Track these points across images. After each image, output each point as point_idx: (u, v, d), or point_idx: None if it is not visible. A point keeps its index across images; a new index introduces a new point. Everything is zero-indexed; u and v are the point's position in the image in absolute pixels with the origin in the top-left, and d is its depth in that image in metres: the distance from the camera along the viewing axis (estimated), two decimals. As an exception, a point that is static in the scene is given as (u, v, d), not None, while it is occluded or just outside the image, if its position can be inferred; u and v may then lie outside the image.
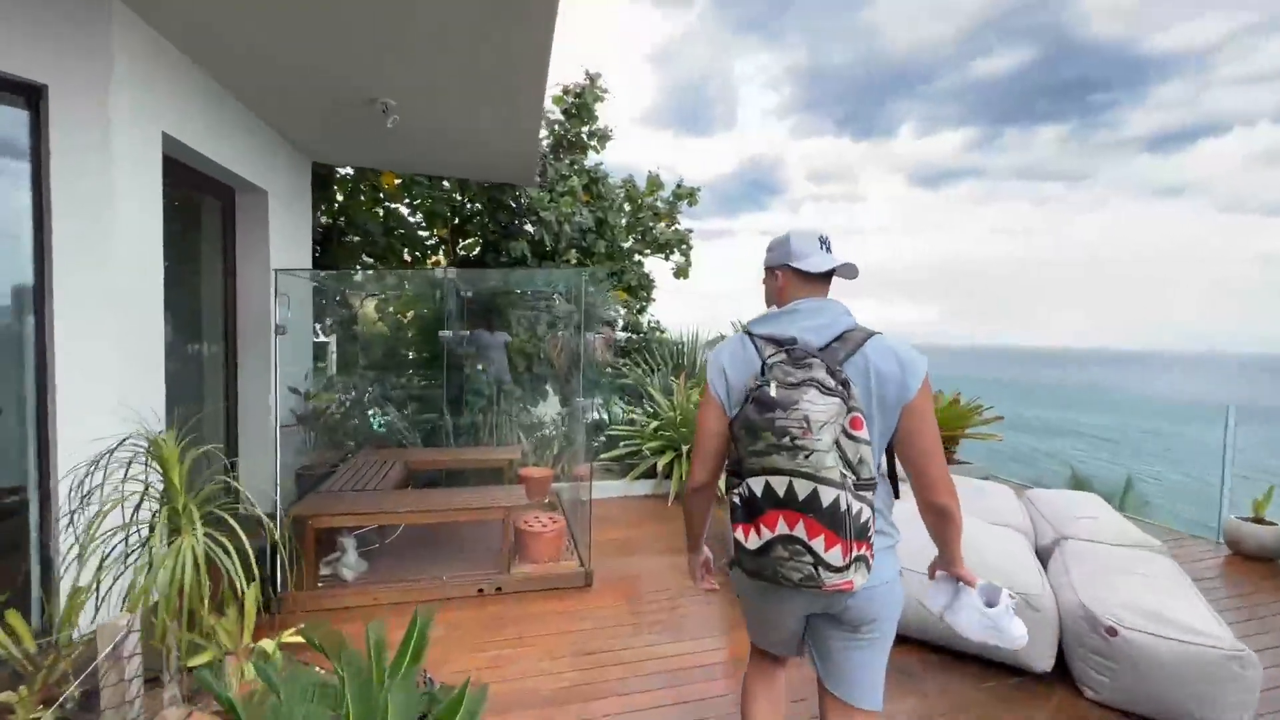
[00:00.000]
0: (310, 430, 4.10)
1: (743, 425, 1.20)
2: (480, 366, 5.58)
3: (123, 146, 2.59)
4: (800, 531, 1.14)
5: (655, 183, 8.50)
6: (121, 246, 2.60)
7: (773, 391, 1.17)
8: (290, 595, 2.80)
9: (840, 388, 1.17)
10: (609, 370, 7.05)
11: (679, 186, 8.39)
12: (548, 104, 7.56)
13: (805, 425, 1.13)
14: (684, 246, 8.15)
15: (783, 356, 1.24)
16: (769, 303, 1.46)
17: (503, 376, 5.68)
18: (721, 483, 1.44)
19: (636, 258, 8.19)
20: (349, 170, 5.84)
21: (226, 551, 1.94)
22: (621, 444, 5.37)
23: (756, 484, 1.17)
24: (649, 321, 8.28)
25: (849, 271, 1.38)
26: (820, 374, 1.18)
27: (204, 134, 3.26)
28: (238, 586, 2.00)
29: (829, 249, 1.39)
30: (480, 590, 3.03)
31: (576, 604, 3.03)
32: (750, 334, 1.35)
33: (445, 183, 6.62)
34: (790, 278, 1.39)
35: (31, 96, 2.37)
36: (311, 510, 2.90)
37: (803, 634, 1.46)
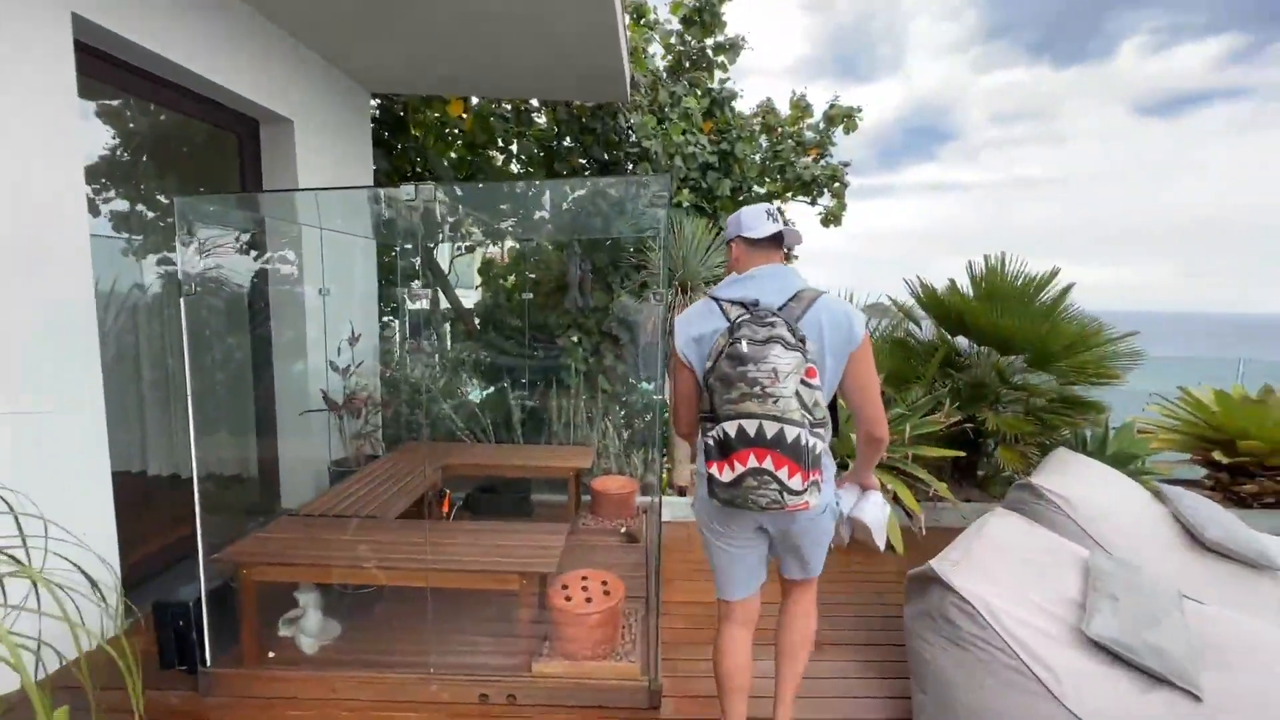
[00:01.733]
0: (343, 416, 3.34)
1: (718, 378, 1.35)
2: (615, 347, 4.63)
3: (-19, 24, 1.78)
4: (768, 464, 1.31)
5: (800, 106, 6.70)
6: (-10, 171, 1.82)
7: (744, 348, 1.32)
8: (219, 675, 1.94)
9: (799, 343, 1.33)
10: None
11: (832, 105, 6.50)
12: (663, 13, 6.15)
13: (774, 376, 1.29)
14: (836, 185, 6.31)
15: (748, 316, 1.38)
16: (730, 273, 1.58)
17: (650, 359, 4.74)
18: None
19: (775, 204, 6.53)
20: (436, 115, 5.02)
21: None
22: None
23: (730, 427, 1.33)
24: (787, 283, 6.64)
25: (793, 237, 1.57)
26: (782, 331, 1.33)
27: (163, 28, 2.44)
28: None
29: (775, 219, 1.52)
30: (483, 696, 1.94)
31: (628, 747, 1.83)
32: (715, 299, 1.48)
33: (539, 118, 5.58)
34: (742, 248, 1.54)
35: None
36: (251, 555, 2.00)
37: (762, 567, 1.64)
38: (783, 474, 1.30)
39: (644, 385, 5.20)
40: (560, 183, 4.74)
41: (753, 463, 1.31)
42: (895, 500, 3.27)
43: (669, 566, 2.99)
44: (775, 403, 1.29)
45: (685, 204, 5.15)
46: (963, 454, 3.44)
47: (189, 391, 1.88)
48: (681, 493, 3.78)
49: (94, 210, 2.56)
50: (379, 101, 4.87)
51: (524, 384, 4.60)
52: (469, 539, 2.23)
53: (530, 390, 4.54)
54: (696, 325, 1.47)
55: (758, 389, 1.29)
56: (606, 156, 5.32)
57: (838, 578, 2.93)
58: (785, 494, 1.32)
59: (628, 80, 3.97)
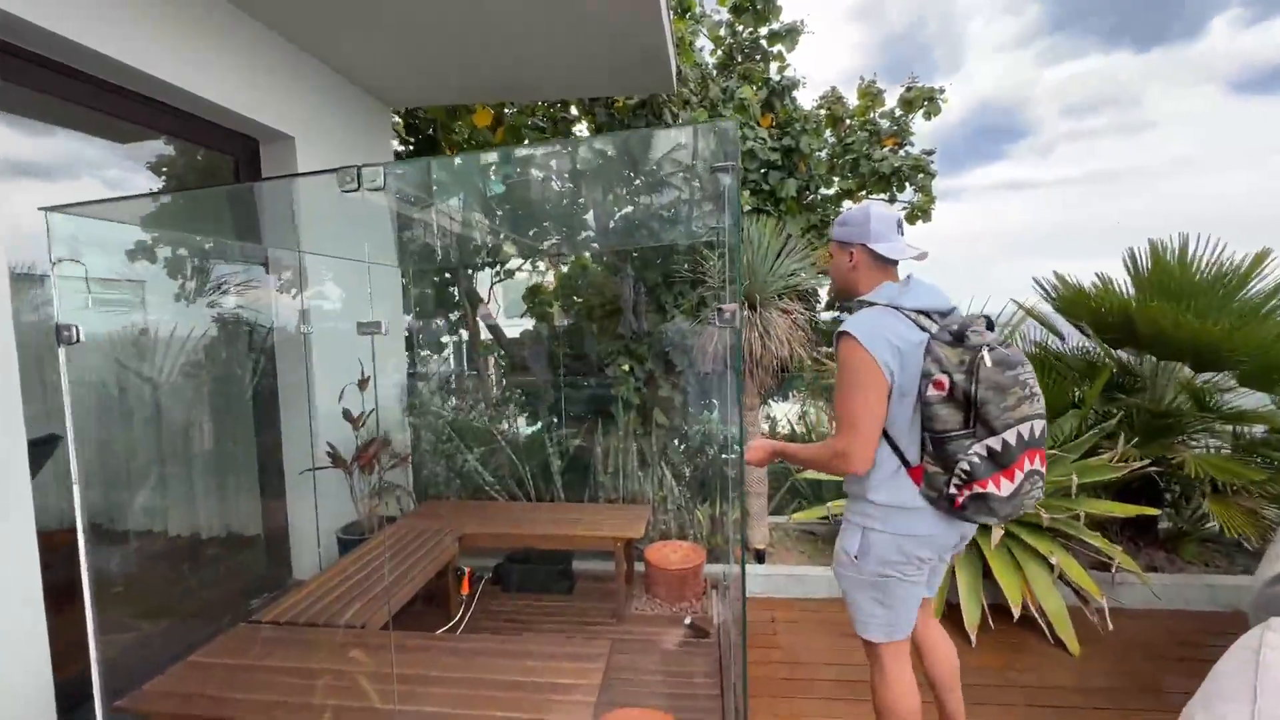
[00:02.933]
0: (352, 472, 2.84)
1: (991, 388, 1.26)
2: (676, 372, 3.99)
3: None
4: (1038, 464, 1.32)
5: (870, 94, 5.92)
6: None
7: (1008, 353, 1.28)
8: None
9: None
10: (807, 363, 4.86)
11: (909, 88, 5.67)
12: (710, 3, 5.58)
13: (1034, 375, 1.32)
14: (922, 177, 5.45)
15: (951, 325, 1.33)
16: (842, 279, 1.51)
17: (710, 394, 4.06)
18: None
19: (846, 204, 5.76)
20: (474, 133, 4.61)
21: None
22: (831, 498, 3.19)
23: (1010, 435, 1.26)
24: (867, 293, 5.79)
25: (921, 258, 1.47)
26: (996, 334, 1.35)
27: (112, 27, 2.05)
28: None
29: (902, 231, 1.46)
30: None
31: None
32: (899, 308, 1.37)
33: (580, 130, 5.09)
34: (864, 258, 1.45)
35: None
36: (161, 703, 1.44)
37: None
38: (1042, 468, 1.33)
39: (708, 414, 4.50)
40: (590, 140, 4.16)
41: (1028, 465, 1.30)
42: (1060, 578, 2.40)
43: (750, 672, 2.25)
44: (1040, 401, 1.31)
45: (748, 206, 4.46)
46: (1156, 511, 2.51)
47: (73, 456, 1.37)
48: (760, 558, 3.02)
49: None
50: (406, 123, 4.54)
51: (567, 423, 4.01)
52: (464, 669, 1.59)
53: (575, 429, 3.94)
54: (894, 334, 1.34)
55: (1027, 390, 1.29)
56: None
57: (990, 695, 2.09)
58: (1043, 488, 1.35)
59: (673, 64, 3.37)
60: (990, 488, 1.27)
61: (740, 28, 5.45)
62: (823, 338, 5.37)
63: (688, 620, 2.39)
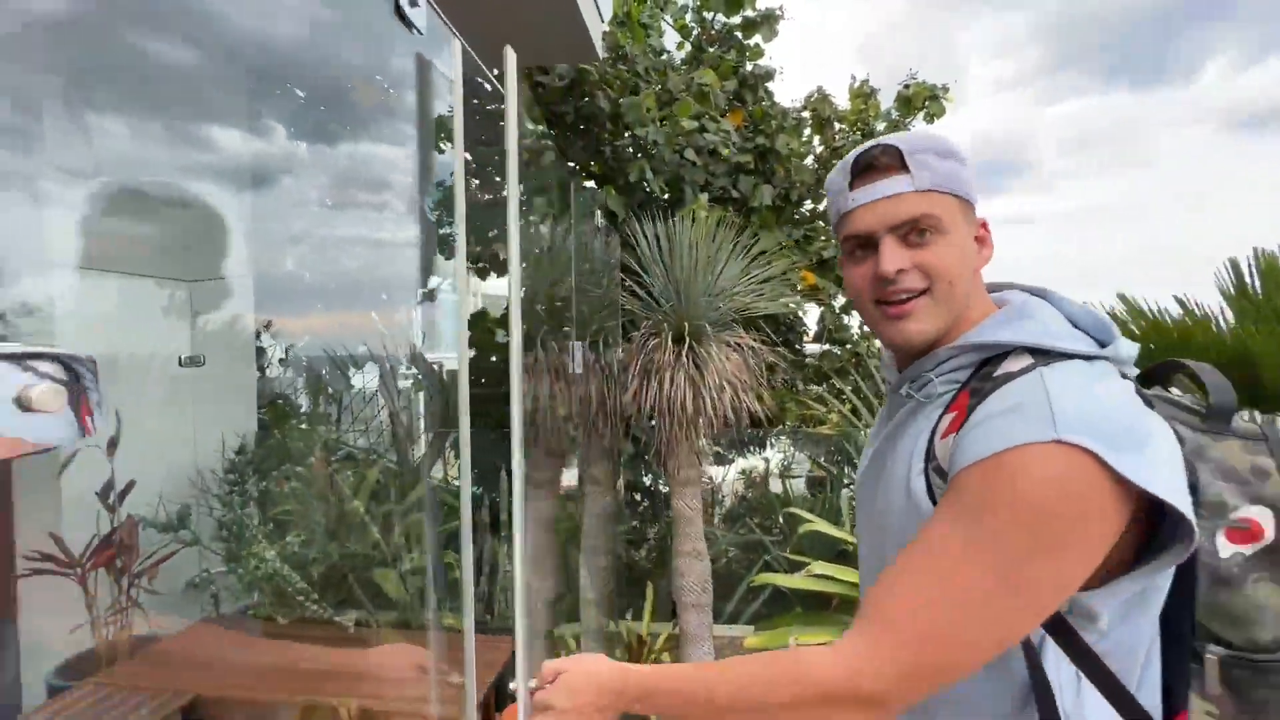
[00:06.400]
0: (87, 576, 1.90)
1: None
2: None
3: None
4: None
5: (862, 93, 5.15)
6: None
7: None
8: None
9: None
10: (786, 409, 3.99)
11: (909, 85, 4.89)
12: (676, -11, 4.84)
13: None
14: (924, 186, 4.60)
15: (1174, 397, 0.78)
16: (964, 290, 0.68)
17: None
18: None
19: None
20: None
21: None
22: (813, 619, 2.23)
23: None
24: (861, 325, 4.93)
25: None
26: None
27: None
28: None
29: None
30: None
31: None
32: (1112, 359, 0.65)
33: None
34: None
35: None
36: None
37: None
38: None
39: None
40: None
41: None
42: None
43: None
44: None
45: (704, 214, 3.59)
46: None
47: None
48: None
49: None
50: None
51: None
52: None
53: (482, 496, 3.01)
54: (1165, 426, 0.60)
55: None
56: (590, 159, 3.86)
57: None
58: None
59: (594, 20, 2.56)
60: None
61: (709, 14, 4.70)
62: (813, 377, 4.46)
63: None
